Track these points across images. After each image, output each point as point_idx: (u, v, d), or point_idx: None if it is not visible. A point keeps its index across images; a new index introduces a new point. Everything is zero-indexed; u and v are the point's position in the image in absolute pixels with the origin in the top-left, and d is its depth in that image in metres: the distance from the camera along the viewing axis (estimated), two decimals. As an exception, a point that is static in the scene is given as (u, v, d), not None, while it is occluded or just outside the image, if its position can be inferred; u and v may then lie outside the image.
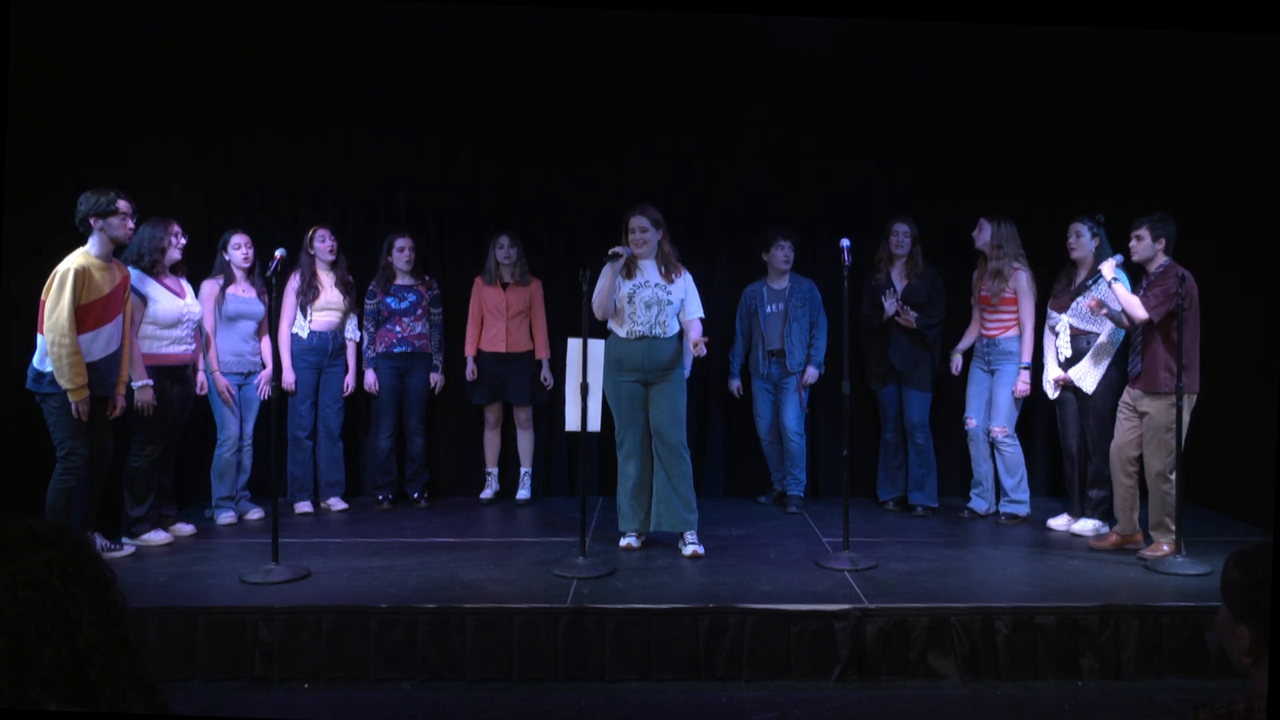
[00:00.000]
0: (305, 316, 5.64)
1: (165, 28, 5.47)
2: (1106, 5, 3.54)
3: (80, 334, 4.37)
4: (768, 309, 5.81)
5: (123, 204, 4.50)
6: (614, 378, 4.75)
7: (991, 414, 5.47)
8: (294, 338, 5.65)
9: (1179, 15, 3.24)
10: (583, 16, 5.84)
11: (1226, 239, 5.45)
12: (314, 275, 5.68)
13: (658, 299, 4.71)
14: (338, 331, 5.74)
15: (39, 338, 4.40)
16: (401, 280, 5.87)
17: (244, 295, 5.41)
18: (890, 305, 5.54)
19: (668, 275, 4.76)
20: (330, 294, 5.70)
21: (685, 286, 4.80)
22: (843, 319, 4.64)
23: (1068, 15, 3.82)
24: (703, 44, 6.00)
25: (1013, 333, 5.40)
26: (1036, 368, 5.36)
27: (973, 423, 5.56)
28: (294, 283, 5.66)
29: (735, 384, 6.02)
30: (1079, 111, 5.96)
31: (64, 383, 4.33)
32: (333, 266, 5.74)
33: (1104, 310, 4.86)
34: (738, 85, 6.19)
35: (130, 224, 4.55)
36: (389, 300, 5.82)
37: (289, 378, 5.61)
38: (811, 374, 5.82)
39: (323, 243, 5.68)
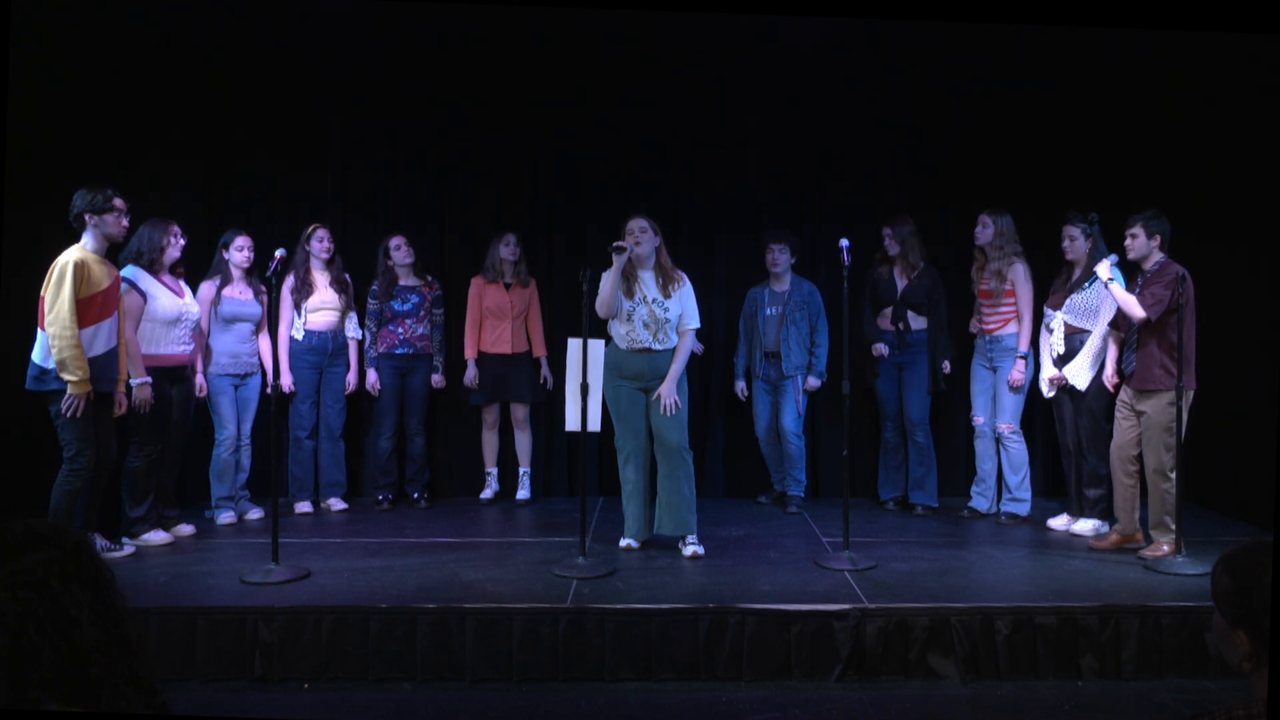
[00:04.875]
0: (300, 316, 5.64)
1: (167, 32, 5.46)
2: (1106, 5, 3.53)
3: (82, 328, 4.37)
4: (767, 311, 5.81)
5: (118, 201, 4.50)
6: (614, 382, 4.75)
7: (997, 410, 5.47)
8: (291, 340, 5.65)
9: (1178, 15, 3.24)
10: (583, 17, 5.83)
11: (1226, 238, 5.45)
12: (308, 273, 5.67)
13: (655, 318, 4.69)
14: (337, 331, 5.74)
15: (39, 333, 4.39)
16: (405, 281, 5.87)
17: (240, 297, 5.41)
18: (879, 349, 5.67)
19: (665, 289, 4.73)
20: (325, 293, 5.69)
21: (683, 298, 4.77)
22: (843, 319, 4.64)
23: (1067, 15, 3.82)
24: (703, 44, 5.99)
25: (1012, 327, 5.40)
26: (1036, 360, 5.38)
27: (980, 420, 5.56)
28: (290, 282, 5.66)
29: (740, 385, 5.99)
30: (1077, 110, 5.96)
31: (67, 376, 4.32)
32: (328, 265, 5.73)
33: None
34: (737, 86, 6.18)
35: (124, 221, 4.55)
36: (393, 303, 5.82)
37: (286, 380, 5.61)
38: (813, 382, 5.81)
39: (320, 243, 5.67)
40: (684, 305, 4.77)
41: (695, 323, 4.81)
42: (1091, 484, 5.11)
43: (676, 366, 4.71)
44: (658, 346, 4.71)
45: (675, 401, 4.67)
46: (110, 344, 4.54)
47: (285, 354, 5.61)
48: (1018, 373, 5.35)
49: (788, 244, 5.77)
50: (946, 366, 5.64)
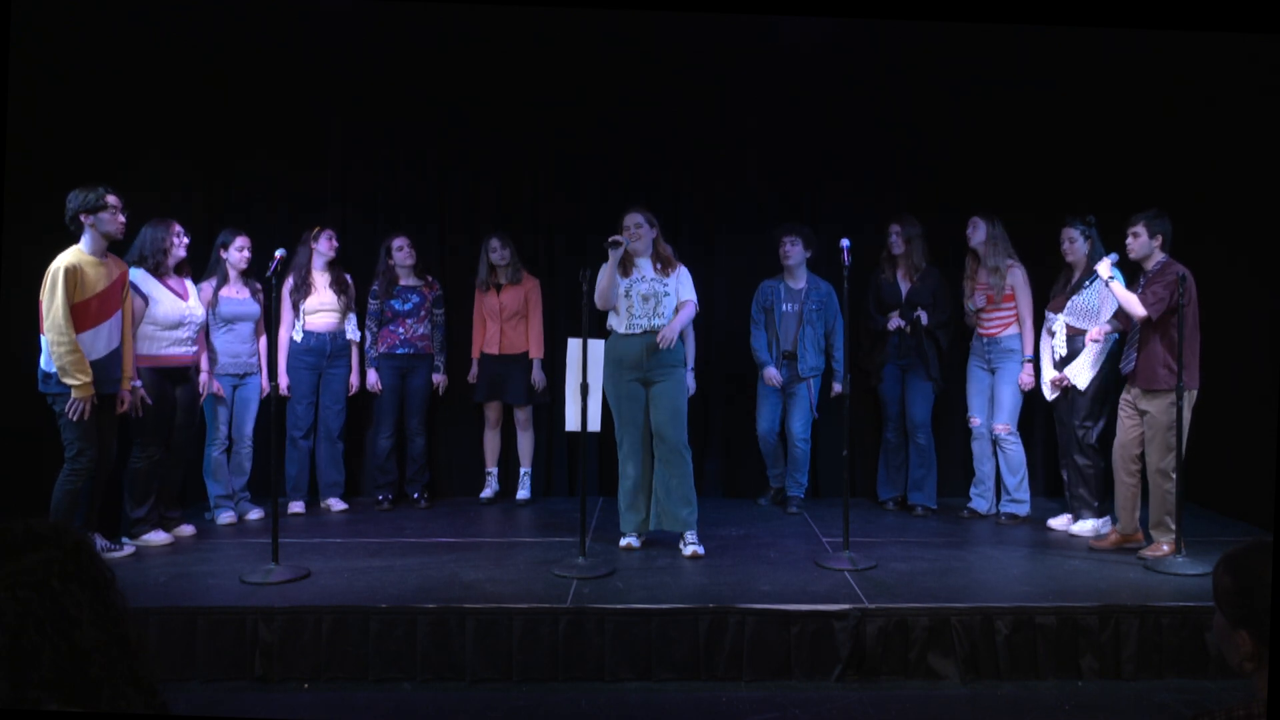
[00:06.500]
0: (298, 317, 5.64)
1: (167, 31, 5.45)
2: (1106, 5, 3.53)
3: (80, 332, 4.36)
4: (784, 308, 5.76)
5: (111, 198, 4.47)
6: (614, 377, 4.76)
7: (994, 412, 5.48)
8: (290, 341, 5.64)
9: (1178, 15, 3.24)
10: (583, 17, 5.82)
11: (1227, 238, 5.45)
12: (308, 273, 5.67)
13: (654, 291, 4.76)
14: (337, 333, 5.73)
15: (42, 339, 4.39)
16: (405, 281, 5.88)
17: (238, 297, 5.40)
18: (894, 323, 5.58)
19: (664, 271, 4.81)
20: (324, 294, 5.68)
21: (680, 278, 4.84)
22: (844, 319, 4.64)
23: (1067, 15, 3.82)
24: (703, 44, 5.98)
25: (1012, 330, 5.42)
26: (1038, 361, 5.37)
27: (977, 421, 5.56)
28: (289, 283, 5.65)
29: (770, 371, 5.73)
30: (1077, 110, 5.96)
31: (69, 381, 4.32)
32: (330, 265, 5.73)
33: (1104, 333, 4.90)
34: (737, 86, 6.18)
35: (121, 218, 4.52)
36: (393, 303, 5.82)
37: (283, 381, 5.60)
38: (837, 389, 5.75)
39: (329, 241, 5.68)
40: (681, 284, 4.83)
41: (691, 295, 4.84)
42: (1094, 485, 5.12)
43: (678, 320, 4.75)
44: (657, 323, 4.73)
45: (671, 339, 4.70)
46: (112, 345, 4.53)
47: (283, 355, 5.61)
48: (1027, 375, 5.35)
49: (800, 236, 5.71)
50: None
